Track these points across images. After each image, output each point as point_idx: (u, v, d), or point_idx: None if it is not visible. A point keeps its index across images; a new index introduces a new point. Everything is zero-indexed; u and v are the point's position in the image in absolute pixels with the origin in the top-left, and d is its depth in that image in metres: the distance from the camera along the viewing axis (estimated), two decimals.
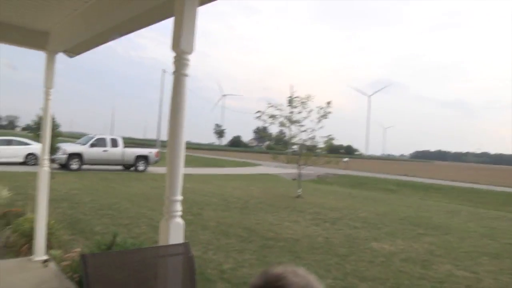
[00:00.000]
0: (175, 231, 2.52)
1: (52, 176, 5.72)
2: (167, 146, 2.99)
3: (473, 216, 13.57)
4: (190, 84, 2.99)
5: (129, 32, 4.26)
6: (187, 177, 4.16)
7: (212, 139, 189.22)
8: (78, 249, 5.29)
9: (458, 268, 6.83)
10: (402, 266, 6.60)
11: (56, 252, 5.09)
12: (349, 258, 6.84)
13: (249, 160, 46.02)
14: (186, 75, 2.86)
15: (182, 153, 2.86)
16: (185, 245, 2.45)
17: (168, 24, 3.13)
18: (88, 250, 5.48)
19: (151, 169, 22.57)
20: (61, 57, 5.07)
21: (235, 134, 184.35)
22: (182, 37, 2.87)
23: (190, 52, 2.92)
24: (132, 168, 22.32)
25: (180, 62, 2.86)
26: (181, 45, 2.87)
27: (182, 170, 2.74)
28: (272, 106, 15.73)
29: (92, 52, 5.32)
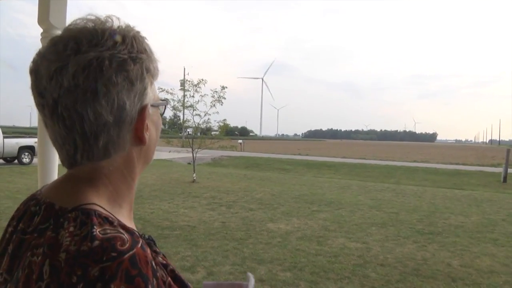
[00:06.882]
0: None
1: None
2: (37, 136, 2.51)
3: (362, 189, 14.38)
4: None
5: None
6: None
7: None
8: None
9: (351, 240, 7.07)
10: (298, 245, 6.62)
11: None
12: (246, 242, 6.68)
13: None
14: None
15: None
16: None
17: None
18: None
19: None
20: None
21: None
22: (50, 7, 2.35)
23: (61, 27, 2.32)
24: (16, 161, 20.01)
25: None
26: (49, 18, 2.35)
27: (57, 161, 2.35)
28: (162, 90, 15.10)
29: None
